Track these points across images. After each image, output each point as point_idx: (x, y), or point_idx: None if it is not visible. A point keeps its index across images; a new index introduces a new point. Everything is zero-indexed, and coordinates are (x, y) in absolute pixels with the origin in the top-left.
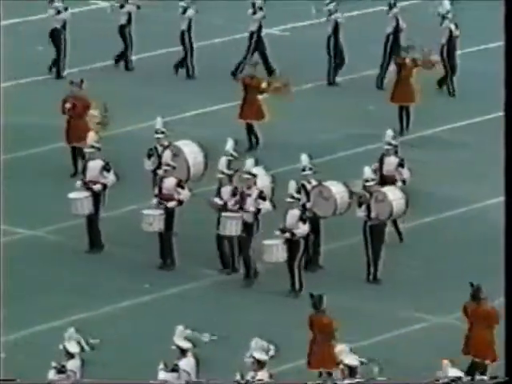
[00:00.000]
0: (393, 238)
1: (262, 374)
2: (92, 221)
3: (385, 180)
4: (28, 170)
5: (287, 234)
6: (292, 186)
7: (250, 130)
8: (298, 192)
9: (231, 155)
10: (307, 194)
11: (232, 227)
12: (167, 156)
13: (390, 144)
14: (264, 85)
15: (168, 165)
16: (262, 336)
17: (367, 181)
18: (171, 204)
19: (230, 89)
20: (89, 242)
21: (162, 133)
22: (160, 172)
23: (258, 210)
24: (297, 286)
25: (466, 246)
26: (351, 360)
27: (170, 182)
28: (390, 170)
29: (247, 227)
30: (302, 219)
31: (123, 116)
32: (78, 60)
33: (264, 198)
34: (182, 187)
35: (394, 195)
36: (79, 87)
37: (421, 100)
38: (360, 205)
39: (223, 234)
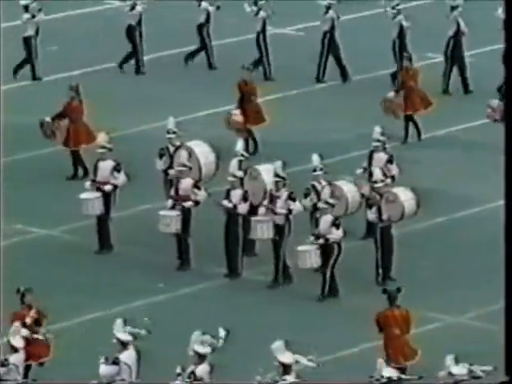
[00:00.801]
0: (405, 239)
1: (203, 368)
2: (103, 221)
3: (370, 175)
4: (39, 171)
5: (321, 240)
6: (326, 192)
7: (249, 134)
8: (332, 196)
9: (242, 155)
10: (318, 194)
11: (263, 231)
12: (183, 157)
13: (378, 140)
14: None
15: (184, 165)
16: (273, 337)
17: (376, 182)
18: (188, 204)
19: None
20: (99, 242)
21: (174, 133)
22: (171, 172)
23: (290, 212)
24: (326, 291)
25: (479, 246)
26: (286, 358)
27: (186, 183)
28: (379, 166)
29: (279, 229)
30: (335, 224)
31: (136, 116)
32: (91, 59)
33: (294, 199)
34: (199, 188)
35: (405, 196)
36: (75, 92)
37: (434, 100)
38: (370, 206)
39: (255, 239)
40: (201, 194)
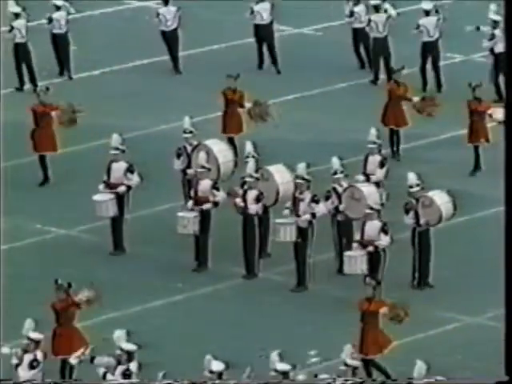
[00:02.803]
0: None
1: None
2: (117, 222)
3: (368, 179)
4: (57, 171)
5: (370, 248)
6: (374, 197)
7: (231, 142)
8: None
9: (254, 155)
10: (339, 196)
11: (286, 234)
12: (202, 158)
13: (374, 143)
14: (248, 106)
15: (203, 167)
16: (289, 337)
17: (411, 187)
18: (207, 206)
19: (257, 88)
20: (113, 243)
21: (191, 132)
22: (190, 171)
23: (313, 215)
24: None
25: (500, 246)
26: (127, 345)
27: (205, 184)
28: (372, 169)
29: (302, 232)
30: (384, 230)
31: (152, 115)
32: (110, 59)
33: (317, 202)
34: (218, 189)
35: (441, 199)
36: (45, 94)
37: (453, 99)
38: (407, 211)
39: (278, 241)
40: (220, 195)
